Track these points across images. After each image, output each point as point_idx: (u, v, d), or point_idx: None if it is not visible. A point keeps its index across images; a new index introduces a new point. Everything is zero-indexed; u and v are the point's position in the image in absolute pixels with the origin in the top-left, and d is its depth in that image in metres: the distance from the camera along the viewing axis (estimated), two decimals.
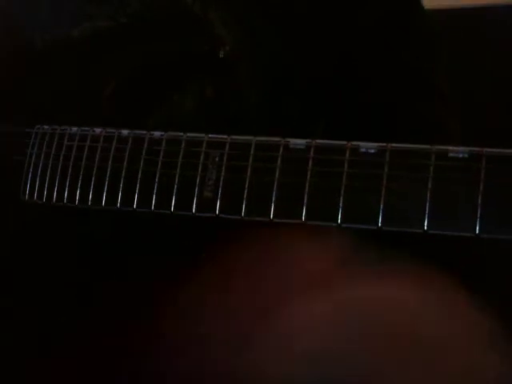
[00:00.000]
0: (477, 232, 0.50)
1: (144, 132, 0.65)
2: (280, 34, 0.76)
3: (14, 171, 0.73)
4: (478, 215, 0.50)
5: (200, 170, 0.62)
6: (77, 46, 0.78)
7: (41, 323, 0.74)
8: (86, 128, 0.69)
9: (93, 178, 0.67)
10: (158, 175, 0.63)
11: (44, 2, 0.82)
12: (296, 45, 0.75)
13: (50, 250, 0.74)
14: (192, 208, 0.61)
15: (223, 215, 0.61)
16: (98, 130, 0.68)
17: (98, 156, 0.67)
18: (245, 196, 0.59)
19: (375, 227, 0.54)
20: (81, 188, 0.67)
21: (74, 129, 0.69)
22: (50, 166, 0.69)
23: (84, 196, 0.67)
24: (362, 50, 0.75)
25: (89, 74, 0.78)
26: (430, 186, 0.52)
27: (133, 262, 0.74)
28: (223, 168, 0.61)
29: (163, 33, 0.78)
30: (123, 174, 0.65)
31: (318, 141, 0.57)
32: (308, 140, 0.58)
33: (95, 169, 0.67)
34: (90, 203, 0.67)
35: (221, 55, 0.74)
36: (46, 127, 0.71)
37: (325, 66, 0.75)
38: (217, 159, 0.61)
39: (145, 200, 0.64)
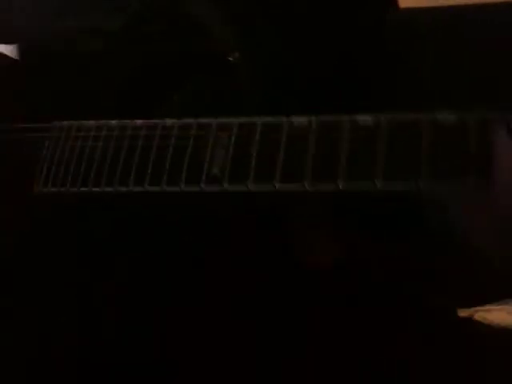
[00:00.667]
0: (471, 183, 0.54)
1: (157, 120, 0.68)
2: (280, 33, 0.76)
3: (29, 165, 0.74)
4: (474, 170, 0.54)
5: (209, 149, 0.64)
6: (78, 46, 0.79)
7: (41, 322, 0.74)
8: (102, 120, 0.71)
9: (107, 163, 0.69)
10: (169, 157, 0.66)
11: (48, 4, 0.82)
12: (296, 45, 0.75)
13: (53, 247, 0.74)
14: (201, 184, 0.63)
15: (230, 188, 0.63)
16: (113, 122, 0.71)
17: (113, 143, 0.70)
18: (252, 167, 0.62)
19: (375, 189, 0.57)
20: (95, 172, 0.69)
21: (91, 122, 0.72)
22: (66, 156, 0.72)
23: (97, 180, 0.69)
24: (362, 50, 0.75)
25: (89, 75, 0.78)
26: (422, 148, 0.55)
27: (132, 260, 0.74)
28: (231, 146, 0.63)
29: (163, 33, 0.78)
30: (136, 158, 0.68)
31: (318, 117, 0.61)
32: (309, 117, 0.61)
33: (109, 154, 0.69)
34: (103, 186, 0.69)
35: (231, 59, 0.74)
36: (62, 122, 0.74)
37: (325, 66, 0.74)
38: (225, 139, 0.64)
39: (156, 180, 0.66)
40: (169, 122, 0.68)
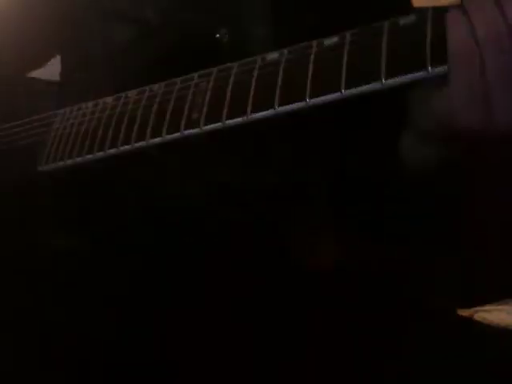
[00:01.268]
0: (429, 70, 0.54)
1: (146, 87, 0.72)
2: (280, 26, 0.77)
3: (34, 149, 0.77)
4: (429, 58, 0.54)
5: (189, 97, 0.66)
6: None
7: (40, 320, 0.74)
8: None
9: (100, 131, 0.72)
10: (153, 112, 0.68)
11: None
12: (296, 39, 0.76)
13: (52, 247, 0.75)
14: (180, 128, 0.65)
15: (207, 127, 0.64)
16: (109, 97, 0.74)
17: (106, 112, 0.73)
18: (227, 104, 0.63)
19: (339, 93, 0.57)
20: (89, 141, 0.72)
21: (89, 102, 0.76)
22: (66, 133, 0.75)
23: (90, 148, 0.72)
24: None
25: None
26: (383, 50, 0.56)
27: (132, 261, 0.74)
28: (209, 90, 0.65)
29: (165, 28, 0.79)
30: (125, 120, 0.70)
31: (288, 48, 0.63)
32: (279, 51, 0.63)
33: (103, 123, 0.72)
34: (95, 151, 0.71)
35: (217, 36, 0.75)
36: (65, 109, 0.78)
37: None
38: (204, 85, 0.66)
39: (141, 136, 0.68)
40: (156, 85, 0.71)
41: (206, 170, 0.73)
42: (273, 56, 0.63)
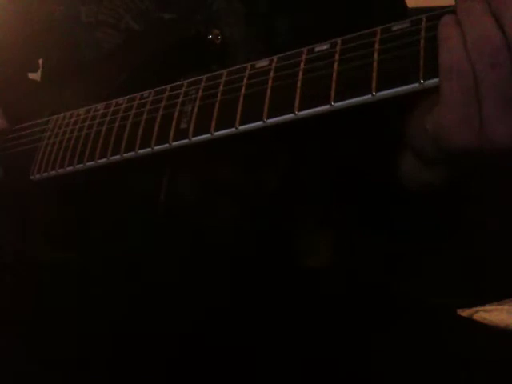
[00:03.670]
0: (421, 81, 0.52)
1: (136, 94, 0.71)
2: (279, 22, 0.76)
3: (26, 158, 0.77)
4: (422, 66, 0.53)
5: (178, 107, 0.65)
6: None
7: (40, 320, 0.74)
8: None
9: (90, 139, 0.71)
10: (143, 122, 0.67)
11: None
12: (295, 35, 0.75)
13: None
14: (169, 139, 0.64)
15: (195, 139, 0.63)
16: (100, 104, 0.74)
17: (97, 120, 0.72)
18: (215, 114, 0.62)
19: (329, 106, 0.56)
20: (80, 150, 0.72)
21: (81, 109, 0.75)
22: (57, 141, 0.75)
23: (81, 157, 0.72)
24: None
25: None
26: (375, 56, 0.55)
27: (132, 260, 0.74)
28: (198, 98, 0.64)
29: (164, 27, 0.77)
30: (115, 129, 0.70)
31: (278, 56, 0.61)
32: (269, 58, 0.62)
33: (93, 131, 0.72)
34: (85, 162, 0.71)
35: (210, 37, 0.74)
36: (59, 115, 0.78)
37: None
38: (193, 93, 0.65)
39: (130, 147, 0.68)
40: (146, 92, 0.70)
41: (206, 169, 0.72)
42: (262, 63, 0.62)
